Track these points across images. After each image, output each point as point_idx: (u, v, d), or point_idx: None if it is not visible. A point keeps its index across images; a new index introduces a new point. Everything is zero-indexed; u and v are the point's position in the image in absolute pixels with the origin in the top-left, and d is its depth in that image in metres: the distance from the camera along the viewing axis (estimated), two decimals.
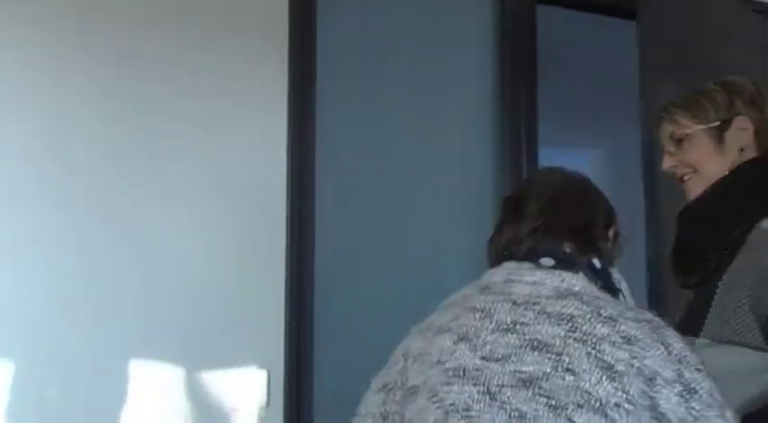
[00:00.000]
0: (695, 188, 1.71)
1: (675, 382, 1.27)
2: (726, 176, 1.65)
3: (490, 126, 2.61)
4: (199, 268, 2.21)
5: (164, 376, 2.15)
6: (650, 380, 1.26)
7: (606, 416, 1.23)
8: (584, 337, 1.29)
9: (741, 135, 1.65)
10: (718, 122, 1.67)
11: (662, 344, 1.30)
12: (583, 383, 1.25)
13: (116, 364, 2.12)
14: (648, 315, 1.36)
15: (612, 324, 1.31)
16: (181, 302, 2.18)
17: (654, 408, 1.25)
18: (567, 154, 6.26)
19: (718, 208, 1.66)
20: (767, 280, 1.48)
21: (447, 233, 2.53)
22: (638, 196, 6.28)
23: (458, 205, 2.56)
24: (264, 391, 2.22)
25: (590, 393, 1.25)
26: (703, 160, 1.69)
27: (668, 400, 1.25)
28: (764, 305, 1.47)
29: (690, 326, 1.56)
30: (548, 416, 1.24)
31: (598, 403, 1.24)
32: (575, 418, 1.23)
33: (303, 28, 2.36)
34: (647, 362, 1.27)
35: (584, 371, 1.26)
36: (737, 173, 1.65)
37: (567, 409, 1.24)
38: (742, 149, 1.66)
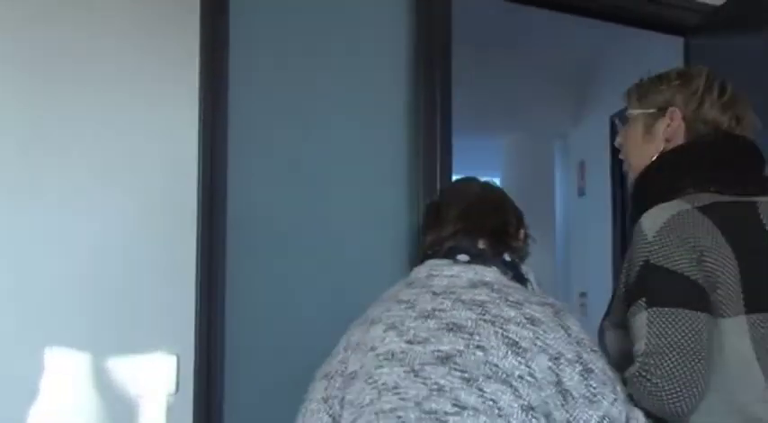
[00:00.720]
0: (631, 176, 1.76)
1: (576, 363, 1.46)
2: (644, 170, 1.70)
3: (405, 112, 2.60)
4: (105, 249, 2.15)
5: (67, 362, 2.08)
6: (556, 359, 1.46)
7: (511, 386, 1.43)
8: (493, 319, 1.49)
9: (669, 126, 1.68)
10: (653, 109, 1.71)
11: (561, 327, 1.50)
12: (491, 358, 1.45)
13: (17, 350, 2.03)
14: (551, 300, 1.57)
15: (518, 307, 1.51)
16: (86, 284, 2.12)
17: (559, 384, 1.44)
18: (481, 140, 6.34)
19: (633, 202, 1.73)
20: (631, 271, 1.57)
21: (361, 221, 2.53)
22: (550, 180, 6.41)
23: (372, 192, 2.56)
24: (173, 376, 2.17)
25: (497, 366, 1.44)
26: (631, 146, 1.76)
27: (571, 378, 1.45)
28: (628, 292, 1.58)
29: (607, 311, 1.72)
30: (462, 387, 1.43)
31: (504, 375, 1.44)
32: (484, 388, 1.42)
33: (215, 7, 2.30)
34: (549, 342, 1.47)
35: (493, 347, 1.46)
36: (651, 166, 1.69)
37: (478, 380, 1.43)
38: (668, 140, 1.68)
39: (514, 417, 1.40)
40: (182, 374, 2.18)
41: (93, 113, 2.17)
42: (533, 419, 1.41)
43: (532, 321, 1.49)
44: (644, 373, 1.45)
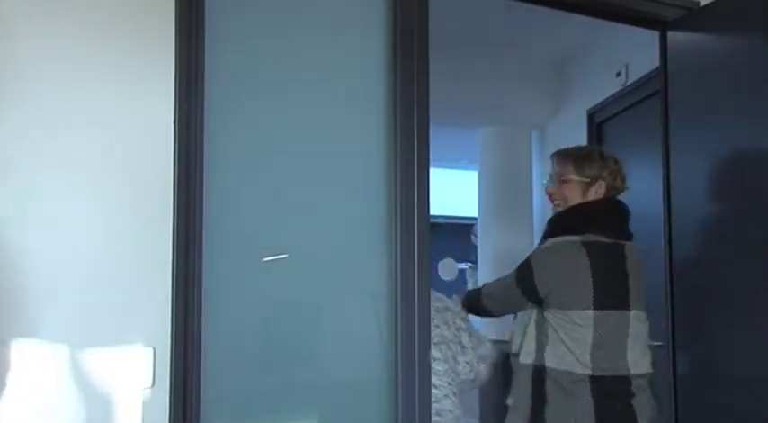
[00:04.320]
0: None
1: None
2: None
3: (382, 106, 2.59)
4: (80, 239, 2.13)
5: (43, 356, 2.06)
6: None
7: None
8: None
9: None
10: (588, 179, 2.87)
11: None
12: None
13: None
14: None
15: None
16: (60, 274, 2.10)
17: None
18: (459, 131, 6.35)
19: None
20: None
21: (337, 213, 2.53)
22: (526, 171, 6.40)
23: (349, 186, 2.55)
24: (150, 369, 2.16)
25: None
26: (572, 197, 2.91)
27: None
28: None
29: None
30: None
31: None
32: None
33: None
34: None
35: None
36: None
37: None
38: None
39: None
40: (158, 368, 2.17)
41: (66, 108, 2.15)
42: None
43: None
44: None
